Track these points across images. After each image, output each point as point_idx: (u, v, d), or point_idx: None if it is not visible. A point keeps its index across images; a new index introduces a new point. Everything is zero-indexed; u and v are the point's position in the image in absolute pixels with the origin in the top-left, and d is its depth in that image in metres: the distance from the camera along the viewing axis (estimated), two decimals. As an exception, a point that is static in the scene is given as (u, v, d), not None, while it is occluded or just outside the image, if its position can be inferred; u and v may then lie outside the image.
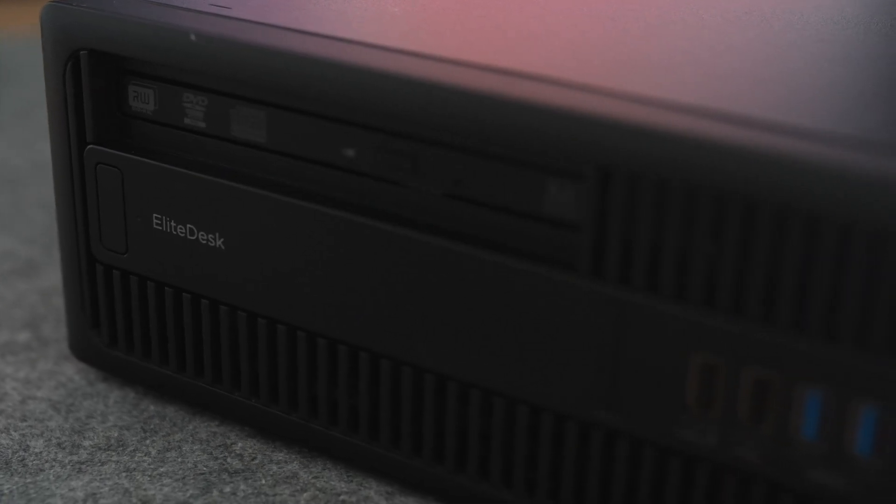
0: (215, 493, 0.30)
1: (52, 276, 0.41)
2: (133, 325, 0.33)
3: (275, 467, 0.31)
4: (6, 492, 0.30)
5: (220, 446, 0.32)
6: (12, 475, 0.30)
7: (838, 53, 0.30)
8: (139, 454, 0.32)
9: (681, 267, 0.25)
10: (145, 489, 0.30)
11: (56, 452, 0.31)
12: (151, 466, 0.31)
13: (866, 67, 0.29)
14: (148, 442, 0.32)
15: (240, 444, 0.32)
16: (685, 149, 0.24)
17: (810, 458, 0.25)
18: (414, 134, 0.28)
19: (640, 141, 0.25)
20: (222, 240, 0.31)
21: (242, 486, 0.31)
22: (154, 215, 0.32)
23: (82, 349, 0.34)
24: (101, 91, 0.31)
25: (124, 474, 0.31)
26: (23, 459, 0.31)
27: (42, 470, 0.31)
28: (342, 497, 0.30)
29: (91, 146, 0.32)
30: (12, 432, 0.32)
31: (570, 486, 0.28)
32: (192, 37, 0.30)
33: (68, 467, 0.31)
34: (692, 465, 0.26)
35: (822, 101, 0.26)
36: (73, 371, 0.35)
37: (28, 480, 0.30)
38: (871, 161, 0.23)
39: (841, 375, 0.24)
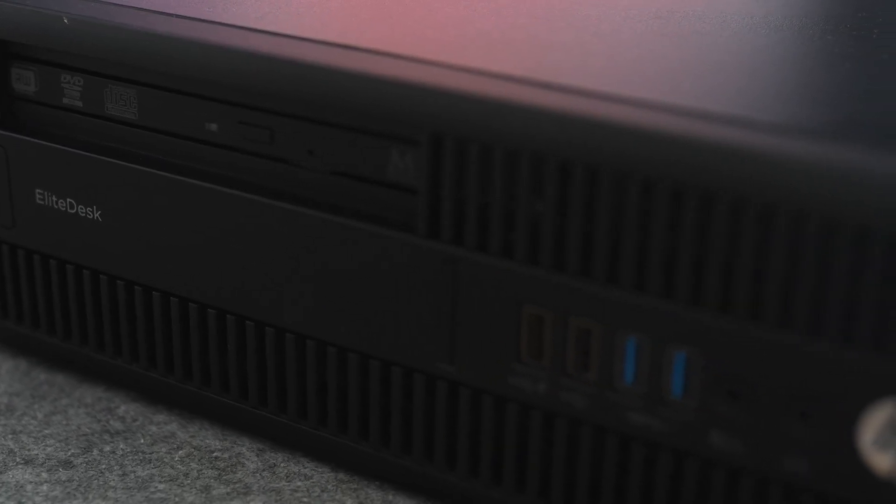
0: (95, 451, 0.32)
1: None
2: (21, 296, 0.35)
3: (154, 428, 0.33)
4: None
5: (103, 410, 0.34)
6: None
7: (677, 26, 0.32)
8: (26, 418, 0.33)
9: (507, 226, 0.27)
10: (29, 449, 0.32)
11: (-54, 418, 0.33)
12: (37, 429, 0.33)
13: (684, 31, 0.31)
14: (35, 407, 0.34)
15: (123, 408, 0.34)
16: (506, 115, 0.26)
17: (631, 401, 0.27)
18: (270, 108, 0.30)
19: (467, 109, 0.26)
20: (100, 212, 0.32)
21: (122, 446, 0.32)
22: (37, 191, 0.33)
23: (-25, 321, 0.36)
24: (-17, 73, 0.33)
25: (10, 436, 0.33)
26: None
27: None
28: (216, 454, 0.32)
29: (-25, 126, 0.33)
30: None
31: (420, 437, 0.30)
32: (65, 20, 0.31)
33: (-44, 431, 0.33)
34: (526, 411, 0.28)
35: (637, 70, 0.28)
36: (-32, 343, 0.37)
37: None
38: (667, 119, 0.25)
39: (652, 323, 0.26)
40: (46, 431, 0.33)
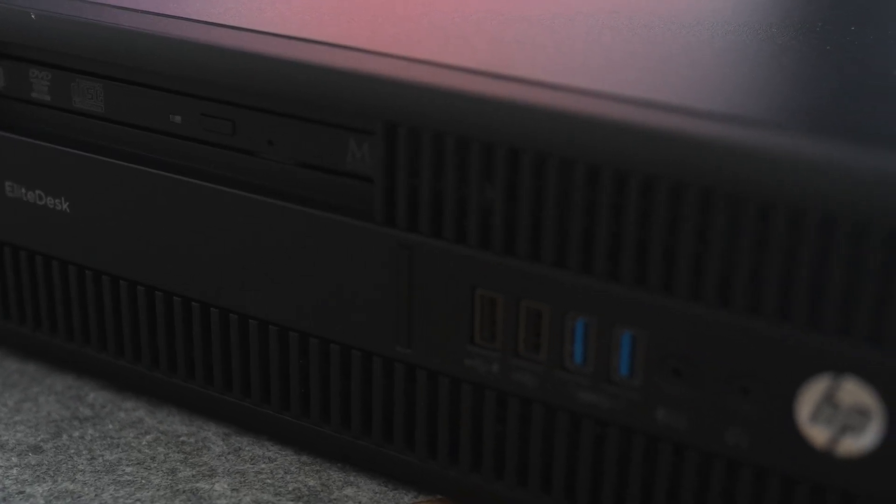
0: (65, 437, 0.33)
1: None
2: (-8, 287, 0.36)
3: (122, 414, 0.34)
4: None
5: (73, 397, 0.35)
6: None
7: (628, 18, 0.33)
8: (-3, 406, 0.34)
9: (460, 212, 0.28)
10: None
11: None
12: (7, 416, 0.34)
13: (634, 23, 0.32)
14: (6, 395, 0.35)
15: (92, 395, 0.35)
16: (456, 105, 0.27)
17: (580, 381, 0.28)
18: (231, 100, 0.31)
19: (419, 99, 0.27)
20: (68, 204, 0.33)
21: (90, 431, 0.33)
22: (7, 183, 0.34)
23: (-52, 312, 0.36)
24: (-47, 69, 0.34)
25: (-19, 424, 0.33)
26: None
27: None
28: (182, 438, 0.33)
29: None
30: None
31: (380, 418, 0.31)
32: (33, 16, 0.32)
33: (-72, 419, 0.33)
34: (481, 391, 0.29)
35: (585, 62, 0.29)
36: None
37: None
38: (612, 106, 0.26)
39: (599, 305, 0.27)
40: (17, 418, 0.34)
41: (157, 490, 0.31)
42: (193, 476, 0.32)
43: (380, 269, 0.29)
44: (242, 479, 0.31)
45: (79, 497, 0.31)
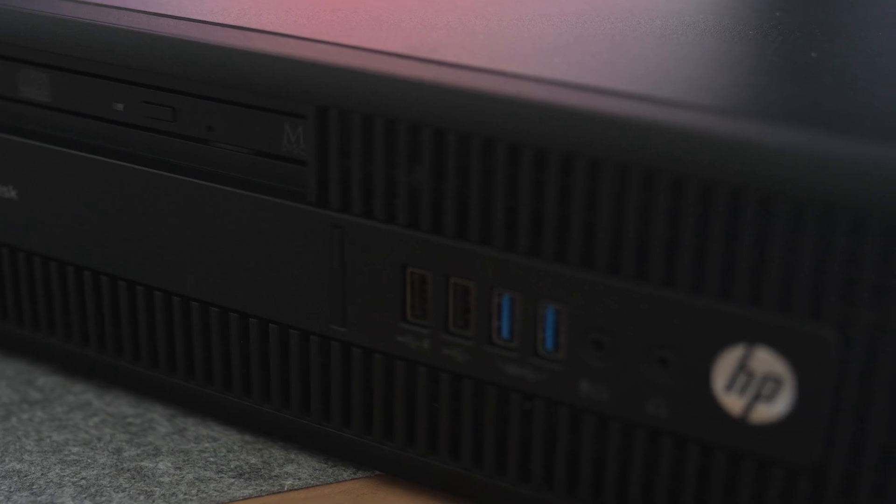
0: (14, 419, 0.34)
1: None
2: (-56, 275, 0.36)
3: (71, 397, 0.35)
4: None
5: (24, 382, 0.35)
6: None
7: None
8: (-52, 390, 0.35)
9: (389, 192, 0.29)
10: (-50, 419, 0.34)
11: None
12: (-42, 400, 0.35)
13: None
14: (-42, 380, 0.35)
15: (42, 380, 0.36)
16: (383, 88, 0.28)
17: (507, 355, 0.29)
18: (171, 87, 0.31)
19: (348, 82, 0.28)
20: (15, 191, 0.34)
21: (39, 414, 0.34)
22: (-44, 173, 0.35)
23: None
24: None
25: (-68, 407, 0.34)
26: None
27: None
28: (129, 419, 0.34)
29: None
30: None
31: (318, 396, 0.31)
32: (-21, 7, 0.33)
33: None
34: (413, 368, 0.30)
35: (510, 47, 0.30)
36: None
37: None
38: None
39: (523, 280, 0.28)
40: (-33, 402, 0.34)
41: (103, 469, 0.32)
42: (138, 455, 0.32)
43: (315, 250, 0.30)
44: (186, 458, 0.32)
45: (25, 476, 0.31)
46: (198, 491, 0.31)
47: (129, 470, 0.32)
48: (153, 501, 0.31)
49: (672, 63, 0.30)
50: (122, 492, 0.31)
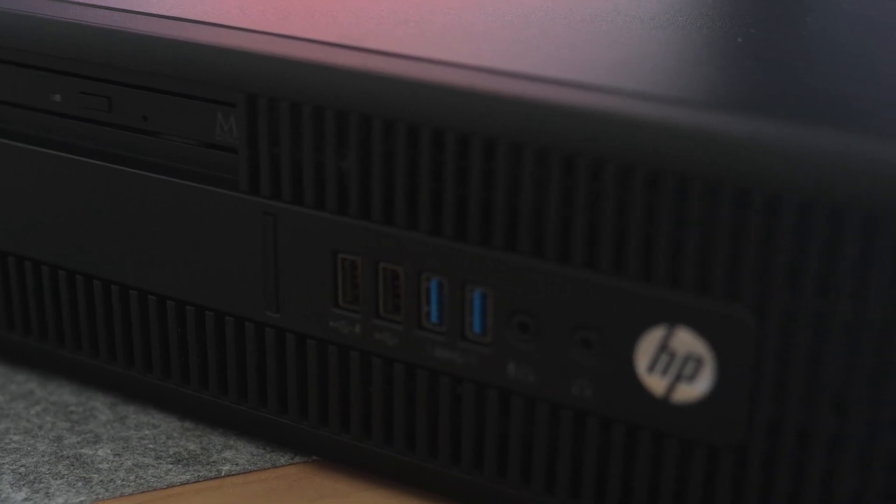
0: (-45, 410, 0.34)
1: None
2: None
3: (14, 387, 0.35)
4: None
5: (-34, 373, 0.36)
6: None
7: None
8: None
9: (318, 179, 0.29)
10: None
11: None
12: None
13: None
14: None
15: (-15, 370, 0.36)
16: (309, 75, 0.28)
17: (436, 339, 0.29)
18: (106, 77, 0.32)
19: (275, 71, 0.29)
20: (-44, 183, 0.34)
21: (-19, 404, 0.34)
22: None
23: None
24: None
25: None
26: None
27: None
28: (70, 408, 0.34)
29: None
30: None
31: (255, 382, 0.32)
32: (-84, 0, 0.33)
33: None
34: (346, 353, 0.30)
35: (436, 34, 0.30)
36: None
37: None
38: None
39: (449, 265, 0.28)
40: (-90, 393, 0.35)
41: (42, 456, 0.32)
42: (78, 443, 0.33)
43: (248, 237, 0.30)
44: (125, 445, 0.32)
45: (-36, 464, 0.32)
46: (136, 477, 0.31)
47: (68, 457, 0.32)
48: (91, 488, 0.31)
49: (595, 50, 0.30)
50: (61, 479, 0.31)
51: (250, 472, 0.32)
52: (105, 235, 0.32)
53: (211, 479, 0.31)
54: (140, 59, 0.30)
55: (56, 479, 0.31)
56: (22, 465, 0.32)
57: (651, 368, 0.27)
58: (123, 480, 0.31)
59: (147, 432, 0.33)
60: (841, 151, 0.24)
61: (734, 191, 0.25)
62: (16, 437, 0.33)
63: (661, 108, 0.25)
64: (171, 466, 0.32)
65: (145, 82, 0.31)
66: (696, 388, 0.26)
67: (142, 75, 0.31)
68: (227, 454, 0.32)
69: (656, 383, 0.27)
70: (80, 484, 0.31)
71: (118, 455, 0.32)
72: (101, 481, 0.31)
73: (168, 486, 0.31)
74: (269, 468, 0.32)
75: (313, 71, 0.28)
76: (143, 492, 0.31)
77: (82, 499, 0.30)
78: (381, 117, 0.28)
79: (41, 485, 0.31)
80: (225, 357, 0.32)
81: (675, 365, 0.27)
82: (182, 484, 0.31)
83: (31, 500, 0.30)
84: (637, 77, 0.28)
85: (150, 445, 0.32)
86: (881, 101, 0.27)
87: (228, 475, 0.32)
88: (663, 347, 0.27)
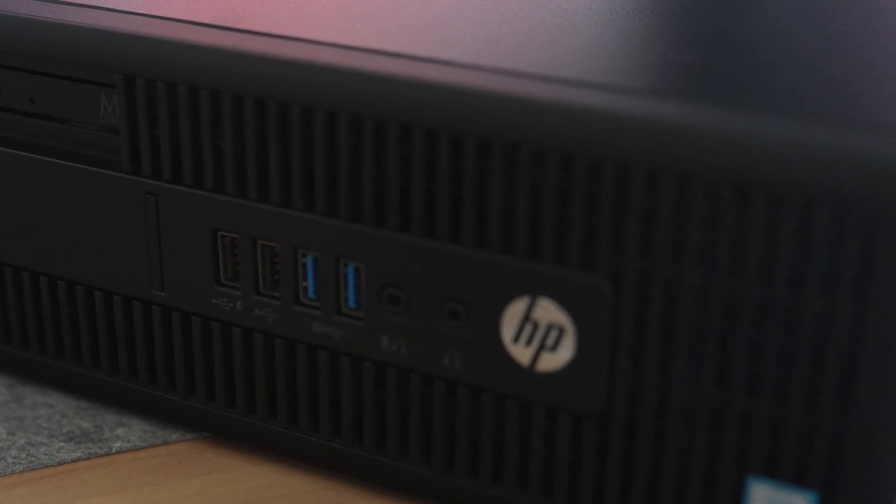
0: None
1: None
2: None
3: (-86, 369, 0.35)
4: None
5: None
6: None
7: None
8: None
9: (197, 159, 0.30)
10: None
11: None
12: None
13: None
14: None
15: None
16: (184, 56, 0.29)
17: (314, 314, 0.30)
18: (-7, 61, 0.32)
19: (151, 51, 0.29)
20: None
21: None
22: None
23: None
24: None
25: None
26: None
27: None
28: (-32, 389, 0.35)
29: None
30: None
31: (143, 360, 0.32)
32: None
33: None
34: (229, 330, 0.31)
35: (317, 15, 0.31)
36: None
37: None
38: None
39: (323, 240, 0.29)
40: None
41: (-64, 436, 0.32)
42: (-27, 423, 0.33)
43: (132, 217, 0.31)
44: (20, 424, 0.33)
45: None
46: (27, 455, 0.32)
47: (-39, 437, 0.32)
48: (-18, 466, 0.31)
49: (457, 28, 0.31)
50: (-47, 458, 0.32)
51: (141, 448, 0.32)
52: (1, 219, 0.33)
53: (102, 455, 0.32)
54: (22, 43, 0.31)
55: (-52, 457, 0.32)
56: (-85, 445, 0.32)
57: (516, 338, 0.27)
58: (15, 458, 0.32)
59: (42, 412, 0.34)
60: (687, 120, 0.25)
61: (587, 162, 0.25)
62: (-89, 418, 0.33)
63: (515, 82, 0.26)
64: (63, 444, 0.32)
65: (30, 65, 0.32)
66: (559, 357, 0.27)
67: (26, 58, 0.31)
68: (120, 432, 0.33)
69: (522, 353, 0.28)
70: (-29, 462, 0.31)
71: (11, 434, 0.33)
72: (-8, 459, 0.32)
73: (59, 464, 0.32)
74: (160, 445, 0.32)
75: (187, 52, 0.29)
76: (34, 469, 0.31)
77: (-29, 476, 0.31)
78: (252, 96, 0.28)
79: (-67, 463, 0.31)
80: (114, 335, 0.33)
81: (539, 334, 0.27)
82: (73, 461, 0.32)
83: (-80, 477, 0.31)
84: (483, 52, 0.28)
85: (45, 424, 0.33)
86: (735, 72, 0.28)
87: (119, 452, 0.32)
88: (527, 317, 0.27)
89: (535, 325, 0.27)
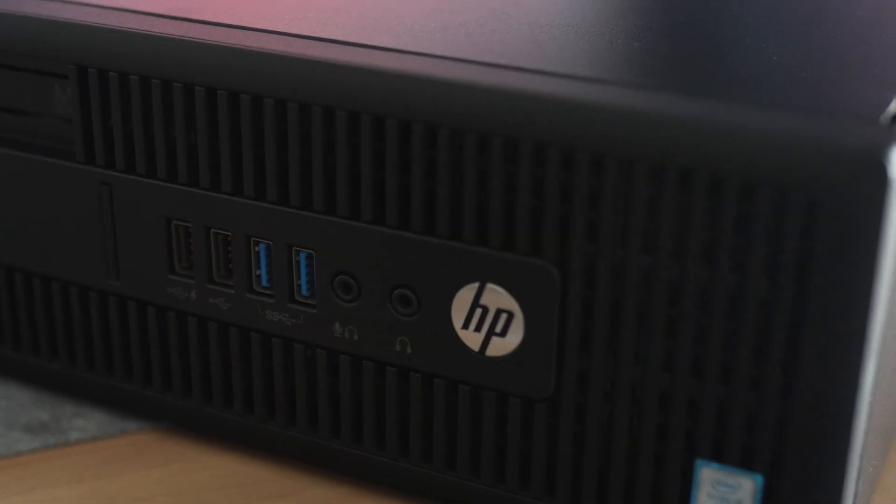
0: None
1: None
2: None
3: None
4: None
5: None
6: None
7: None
8: None
9: (149, 148, 0.30)
10: None
11: None
12: None
13: None
14: None
15: None
16: (134, 46, 0.29)
17: (267, 302, 0.30)
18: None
19: (103, 42, 0.29)
20: None
21: None
22: None
23: None
24: None
25: None
26: None
27: None
28: (-73, 381, 0.35)
29: None
30: None
31: (101, 351, 0.32)
32: None
33: None
34: (184, 319, 0.31)
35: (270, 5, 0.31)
36: None
37: None
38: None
39: (275, 229, 0.29)
40: None
41: None
42: (-69, 415, 0.33)
43: (86, 207, 0.31)
44: (-22, 416, 0.33)
45: None
46: (-15, 446, 0.32)
47: (-81, 428, 0.32)
48: (-61, 457, 0.31)
49: (413, 19, 0.31)
50: (-90, 449, 0.32)
51: (100, 439, 0.32)
52: (-46, 210, 0.33)
53: (60, 446, 0.32)
54: (-21, 36, 0.31)
55: None
56: None
57: (466, 324, 0.28)
58: (-28, 449, 0.32)
59: (2, 403, 0.34)
60: (630, 106, 0.25)
61: (532, 149, 0.26)
62: None
63: (459, 68, 0.26)
64: (20, 435, 0.32)
65: (-12, 58, 0.32)
66: (508, 343, 0.27)
67: (-17, 51, 0.32)
68: (78, 423, 0.33)
69: (472, 339, 0.28)
70: (-71, 453, 0.32)
71: (-30, 425, 0.33)
72: (-50, 450, 0.32)
73: (15, 455, 0.32)
74: (118, 435, 0.33)
75: (138, 42, 0.29)
76: (-8, 459, 0.32)
77: (-72, 466, 0.31)
78: (203, 86, 0.28)
79: None
80: (71, 325, 0.33)
81: (489, 320, 0.27)
82: (30, 451, 0.32)
83: None
84: (429, 40, 0.28)
85: (2, 416, 0.33)
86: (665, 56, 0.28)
87: (78, 442, 0.32)
88: (476, 303, 0.27)
89: (485, 311, 0.27)
